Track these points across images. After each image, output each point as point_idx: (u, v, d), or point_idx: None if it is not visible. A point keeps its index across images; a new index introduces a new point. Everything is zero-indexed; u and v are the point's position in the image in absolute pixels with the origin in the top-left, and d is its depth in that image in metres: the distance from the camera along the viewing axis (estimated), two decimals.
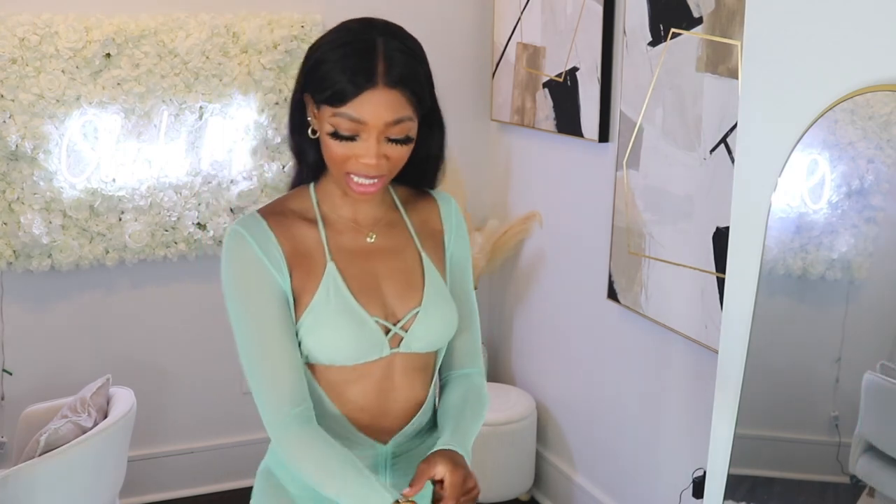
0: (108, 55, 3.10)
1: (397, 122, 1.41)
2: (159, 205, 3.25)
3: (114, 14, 3.13)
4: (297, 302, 1.49)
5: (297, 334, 1.49)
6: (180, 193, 3.27)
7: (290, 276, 1.48)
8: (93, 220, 3.20)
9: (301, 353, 1.49)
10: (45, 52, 3.02)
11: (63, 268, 3.20)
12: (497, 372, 3.87)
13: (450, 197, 1.68)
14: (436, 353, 1.61)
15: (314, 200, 1.55)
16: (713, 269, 2.49)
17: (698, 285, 2.55)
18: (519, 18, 3.43)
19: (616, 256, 2.94)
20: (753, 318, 1.77)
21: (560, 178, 3.35)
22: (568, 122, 3.17)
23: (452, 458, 1.45)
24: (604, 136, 3.00)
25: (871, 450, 1.65)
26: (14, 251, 3.13)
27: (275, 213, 1.52)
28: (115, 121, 3.14)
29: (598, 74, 2.97)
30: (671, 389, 2.78)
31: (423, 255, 1.58)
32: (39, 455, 2.46)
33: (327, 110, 1.41)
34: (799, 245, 1.74)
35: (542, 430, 3.54)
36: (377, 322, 1.50)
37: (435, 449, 1.48)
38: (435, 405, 1.64)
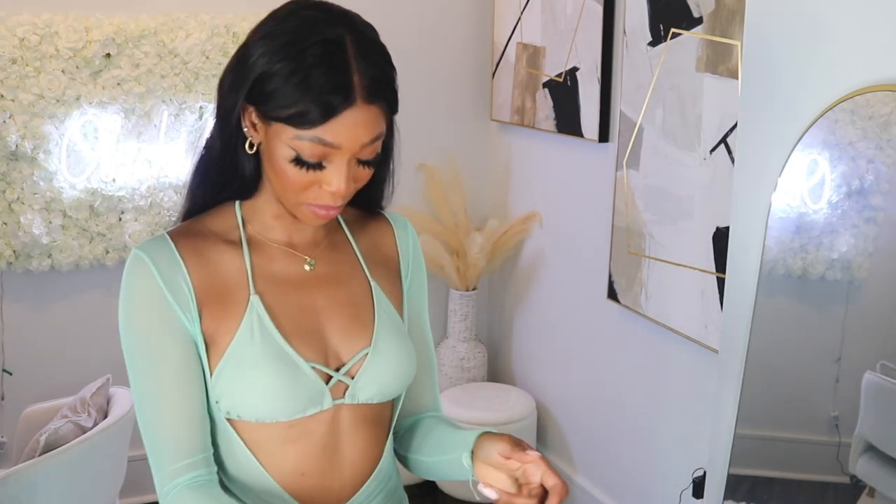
0: (108, 55, 3.10)
1: (373, 141, 1.17)
2: (159, 205, 3.25)
3: (114, 14, 3.13)
4: (213, 346, 1.21)
5: (211, 385, 1.22)
6: (180, 193, 3.26)
7: (200, 314, 1.21)
8: (93, 220, 3.20)
9: (218, 409, 1.22)
10: (45, 52, 3.02)
11: (63, 268, 3.20)
12: (497, 372, 3.87)
13: (406, 220, 1.43)
14: (392, 402, 1.35)
15: (239, 220, 1.27)
16: (713, 269, 2.49)
17: (698, 285, 2.55)
18: (519, 18, 3.43)
19: (616, 256, 2.94)
20: (753, 318, 1.77)
21: (560, 178, 3.35)
22: (568, 122, 3.17)
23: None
24: (604, 136, 3.00)
25: (870, 450, 1.65)
26: (14, 251, 3.13)
27: (189, 235, 1.25)
28: (115, 121, 3.14)
29: (598, 74, 2.97)
30: (671, 389, 2.78)
31: (373, 283, 1.32)
32: (39, 455, 2.46)
33: (286, 130, 1.14)
34: (799, 245, 1.74)
35: (542, 430, 3.54)
36: (314, 368, 1.23)
37: (482, 431, 1.26)
38: (393, 469, 1.37)
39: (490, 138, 3.78)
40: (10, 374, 3.28)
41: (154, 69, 3.14)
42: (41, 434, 2.51)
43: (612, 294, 2.98)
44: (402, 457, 1.42)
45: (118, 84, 3.12)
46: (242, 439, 1.24)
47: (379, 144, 1.19)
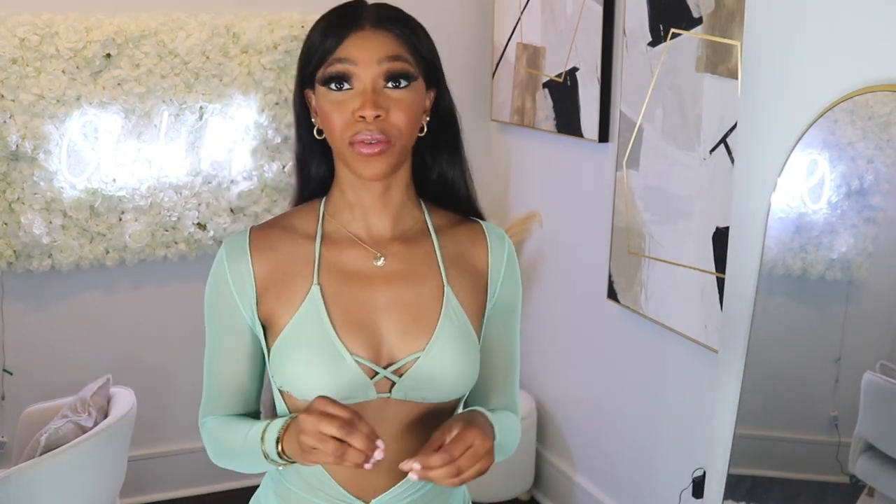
0: (109, 55, 3.10)
1: (391, 58, 1.25)
2: (159, 205, 3.25)
3: (114, 14, 3.13)
4: (271, 327, 1.33)
5: (269, 361, 1.34)
6: (180, 193, 3.27)
7: (258, 300, 1.32)
8: (93, 220, 3.20)
9: (274, 382, 1.35)
10: (46, 53, 3.02)
11: (63, 268, 3.20)
12: None
13: (505, 236, 1.43)
14: (450, 406, 1.37)
15: (320, 215, 1.36)
16: (713, 269, 2.49)
17: (698, 285, 2.55)
18: (519, 18, 3.43)
19: (616, 256, 2.94)
20: (753, 318, 1.77)
21: (560, 178, 3.35)
22: (568, 122, 3.17)
23: (473, 419, 1.25)
24: (604, 136, 3.00)
25: (870, 449, 1.65)
26: (14, 251, 3.13)
27: (268, 228, 1.37)
28: (116, 121, 3.14)
29: (598, 74, 2.97)
30: (671, 389, 2.78)
31: (447, 288, 1.34)
32: (39, 455, 2.46)
33: (320, 73, 1.27)
34: (799, 245, 1.74)
35: (542, 429, 3.54)
36: (359, 361, 1.28)
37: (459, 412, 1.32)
38: None
39: (490, 138, 3.78)
40: (11, 374, 3.28)
41: (154, 69, 3.14)
42: (41, 434, 2.51)
43: (612, 294, 2.98)
44: None
45: (118, 84, 3.12)
46: (293, 413, 1.32)
47: (403, 66, 1.26)
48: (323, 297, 1.30)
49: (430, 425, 1.30)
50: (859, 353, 1.68)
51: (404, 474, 1.24)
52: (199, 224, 3.33)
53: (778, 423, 1.87)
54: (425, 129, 1.34)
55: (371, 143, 1.24)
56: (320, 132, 1.32)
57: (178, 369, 3.52)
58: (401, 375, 1.30)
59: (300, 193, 1.42)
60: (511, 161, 3.66)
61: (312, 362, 1.27)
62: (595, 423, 3.24)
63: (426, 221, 1.39)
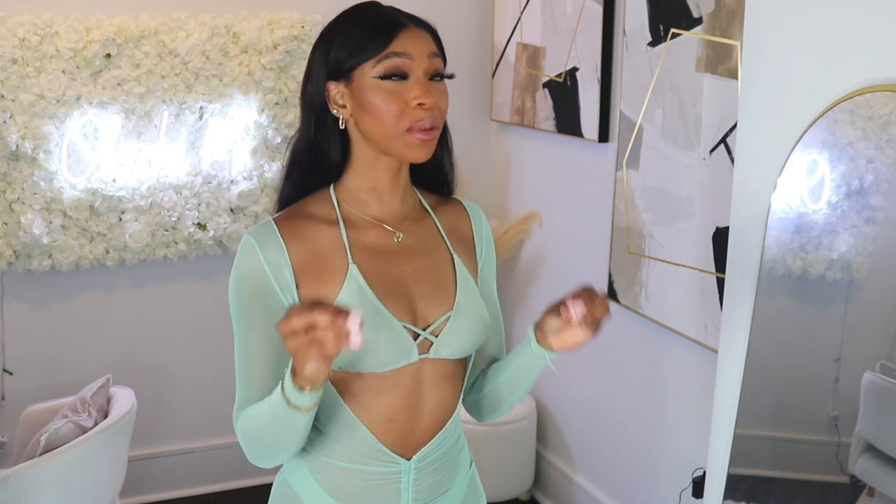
0: (109, 55, 3.10)
1: (434, 54, 1.41)
2: (159, 205, 3.25)
3: (114, 14, 3.13)
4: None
5: None
6: (180, 193, 3.27)
7: (298, 286, 1.40)
8: (93, 221, 3.20)
9: None
10: (46, 53, 3.02)
11: (63, 268, 3.20)
12: None
13: (478, 208, 1.63)
14: (465, 360, 1.54)
15: (335, 201, 1.46)
16: (713, 269, 2.49)
17: (698, 285, 2.55)
18: (519, 19, 3.43)
19: (616, 256, 2.94)
20: (753, 318, 1.77)
21: (560, 178, 3.35)
22: (568, 122, 3.17)
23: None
24: (604, 136, 3.00)
25: (870, 449, 1.65)
26: (14, 251, 3.13)
27: (291, 218, 1.45)
28: (116, 121, 3.14)
29: (598, 74, 2.97)
30: (671, 389, 2.78)
31: (455, 256, 1.52)
32: (39, 455, 2.46)
33: (366, 68, 1.37)
34: (799, 245, 1.74)
35: (542, 429, 3.54)
36: (405, 327, 1.42)
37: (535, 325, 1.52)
38: (459, 421, 1.56)
39: (490, 138, 3.78)
40: (11, 374, 3.28)
41: (154, 69, 3.14)
42: (41, 434, 2.51)
43: (612, 294, 2.98)
44: (482, 398, 1.62)
45: (118, 84, 3.12)
46: (338, 391, 1.43)
47: (441, 63, 1.42)
48: (362, 274, 1.42)
49: (455, 379, 1.51)
50: (859, 353, 1.68)
51: (442, 426, 1.48)
52: (199, 224, 3.33)
53: (778, 423, 1.87)
54: None
55: (428, 129, 1.38)
56: (342, 123, 1.43)
57: (178, 369, 3.52)
58: (437, 335, 1.45)
59: (304, 182, 1.49)
60: (511, 161, 3.66)
61: (368, 333, 1.31)
62: (595, 423, 3.24)
63: (421, 201, 1.55)
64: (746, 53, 1.80)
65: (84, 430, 2.57)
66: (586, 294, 1.42)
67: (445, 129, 1.51)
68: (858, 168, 1.63)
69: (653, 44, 2.69)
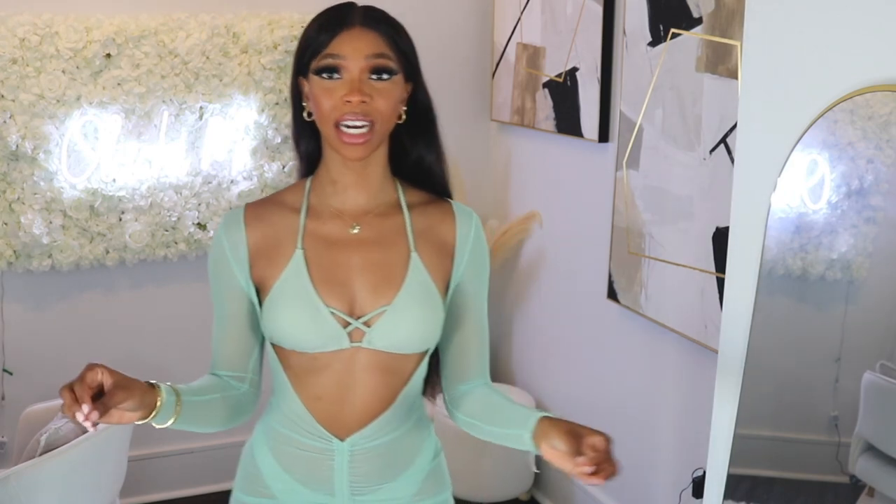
0: (109, 55, 3.10)
1: (376, 55, 1.46)
2: (159, 205, 3.25)
3: (114, 14, 3.13)
4: (262, 288, 1.53)
5: (261, 317, 1.54)
6: (180, 193, 3.27)
7: (251, 266, 1.53)
8: (93, 220, 3.20)
9: (266, 334, 1.55)
10: (46, 53, 3.02)
11: (63, 268, 3.20)
12: (497, 371, 3.87)
13: (472, 214, 1.63)
14: (414, 359, 1.56)
15: (306, 190, 1.57)
16: (713, 269, 2.49)
17: (698, 285, 2.55)
18: (519, 19, 3.43)
19: (616, 256, 2.95)
20: (753, 318, 1.77)
21: (560, 178, 3.35)
22: (568, 122, 3.17)
23: (568, 427, 1.46)
24: (604, 136, 3.00)
25: (870, 449, 1.65)
26: (14, 251, 3.13)
27: (263, 204, 1.59)
28: (116, 121, 3.14)
29: (598, 74, 2.97)
30: (671, 389, 2.78)
31: (414, 254, 1.54)
32: (39, 455, 2.46)
33: (313, 64, 1.48)
34: (798, 245, 1.74)
35: None
36: (333, 313, 1.49)
37: (542, 415, 1.49)
38: (408, 411, 1.59)
39: (490, 138, 3.78)
40: (11, 374, 3.28)
41: (154, 69, 3.14)
42: (41, 434, 2.51)
43: (612, 294, 2.98)
44: (460, 419, 1.66)
45: (118, 84, 3.12)
46: (282, 364, 1.55)
47: (386, 62, 1.47)
48: (305, 259, 1.51)
49: (394, 374, 1.54)
50: (859, 353, 1.68)
51: (376, 415, 1.53)
52: (199, 224, 3.33)
53: (778, 423, 1.87)
54: (403, 117, 1.53)
55: (356, 130, 1.45)
56: (310, 115, 1.53)
57: (178, 369, 3.51)
58: (370, 326, 1.50)
59: (301, 167, 1.62)
60: (511, 161, 3.66)
61: (294, 315, 1.49)
62: (595, 422, 3.22)
63: (399, 198, 1.58)
64: (746, 53, 1.80)
65: (84, 430, 2.57)
66: (605, 456, 1.44)
67: (434, 128, 1.59)
68: (858, 168, 1.63)
69: (653, 44, 2.69)
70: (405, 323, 1.51)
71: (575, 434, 1.43)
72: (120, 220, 3.23)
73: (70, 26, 3.02)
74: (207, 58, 3.19)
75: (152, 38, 3.13)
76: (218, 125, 3.27)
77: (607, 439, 1.43)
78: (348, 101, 1.44)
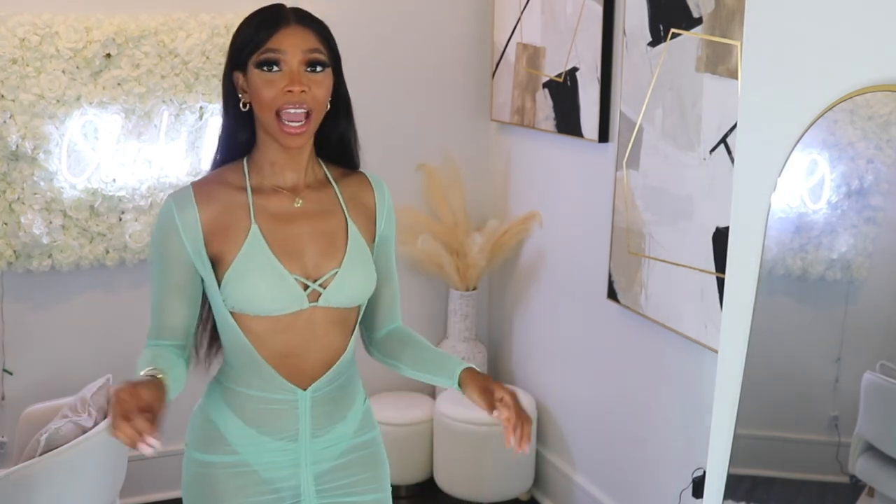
0: (109, 55, 3.10)
1: (312, 50, 1.65)
2: (159, 205, 3.25)
3: (114, 14, 3.13)
4: (219, 262, 1.68)
5: (220, 289, 1.68)
6: None
7: (206, 242, 1.67)
8: (93, 221, 3.20)
9: (226, 307, 1.69)
10: (46, 53, 3.02)
11: (63, 268, 3.20)
12: (497, 372, 3.87)
13: (382, 182, 1.86)
14: (356, 309, 1.79)
15: (245, 171, 1.73)
16: (713, 269, 2.49)
17: (698, 285, 2.55)
18: (519, 18, 3.43)
19: (616, 256, 2.95)
20: (753, 318, 1.77)
21: (560, 178, 3.35)
22: (568, 122, 3.17)
23: (479, 379, 1.71)
24: (604, 136, 3.01)
25: (870, 449, 1.65)
26: (14, 251, 3.13)
27: (206, 184, 1.73)
28: (116, 121, 3.14)
29: (598, 74, 2.97)
30: (671, 389, 2.78)
31: (350, 221, 1.76)
32: (40, 455, 2.46)
33: (254, 59, 1.65)
34: (798, 245, 1.74)
35: (542, 429, 3.54)
36: (296, 279, 1.68)
37: (463, 367, 1.74)
38: (353, 356, 1.82)
39: (490, 138, 3.78)
40: (11, 374, 3.28)
41: (154, 69, 3.14)
42: (41, 434, 2.51)
43: (612, 294, 2.98)
44: (382, 359, 1.90)
45: (118, 84, 3.12)
46: (242, 330, 1.69)
47: (320, 57, 1.66)
48: (262, 233, 1.68)
49: (344, 325, 1.76)
50: (859, 353, 1.68)
51: (332, 363, 1.74)
52: None
53: (778, 423, 1.87)
54: (328, 105, 1.71)
55: (295, 124, 1.63)
56: (245, 105, 1.69)
57: None
58: (325, 287, 1.70)
59: (223, 155, 1.77)
60: (511, 161, 3.66)
61: (261, 284, 1.66)
62: (595, 423, 3.24)
63: (325, 174, 1.79)
64: (746, 53, 1.80)
65: (84, 430, 2.57)
66: (515, 409, 1.63)
67: (348, 107, 1.76)
68: (858, 168, 1.63)
69: (653, 44, 2.69)
70: (352, 281, 1.73)
71: (488, 391, 1.66)
72: (120, 220, 3.23)
73: (70, 26, 3.02)
74: (207, 58, 3.19)
75: (152, 38, 3.13)
76: (218, 125, 3.27)
77: (513, 395, 1.65)
78: (289, 91, 1.62)
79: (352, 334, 1.78)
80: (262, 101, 1.64)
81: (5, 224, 3.11)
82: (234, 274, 1.66)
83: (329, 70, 1.68)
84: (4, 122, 3.02)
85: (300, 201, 1.73)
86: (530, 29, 3.36)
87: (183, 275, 1.70)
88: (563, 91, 3.18)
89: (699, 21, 2.47)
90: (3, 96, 3.01)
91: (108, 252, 3.25)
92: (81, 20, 3.05)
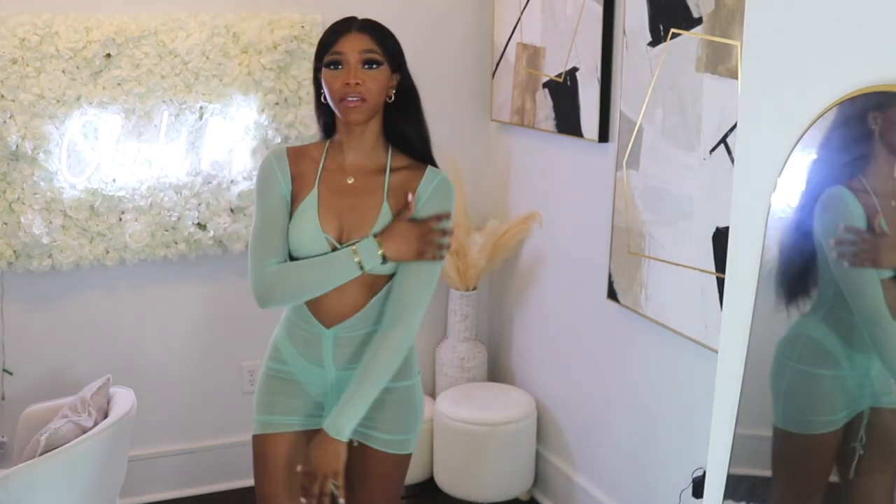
0: (109, 55, 3.10)
1: (367, 51, 2.06)
2: (159, 205, 3.25)
3: (114, 14, 3.13)
4: (294, 206, 2.12)
5: (289, 228, 2.11)
6: (180, 193, 3.27)
7: (292, 186, 2.13)
8: (93, 221, 3.20)
9: (289, 243, 2.12)
10: (46, 53, 3.02)
11: (63, 268, 3.20)
12: (497, 372, 3.87)
13: (437, 173, 2.15)
14: (383, 278, 2.12)
15: (325, 149, 2.17)
16: (713, 269, 2.49)
17: (698, 285, 2.55)
18: (519, 19, 3.43)
19: (616, 256, 2.95)
20: (753, 318, 1.77)
21: (560, 178, 3.35)
22: (568, 122, 3.17)
23: (323, 444, 2.07)
24: (604, 136, 3.01)
25: None
26: (14, 251, 3.13)
27: (298, 151, 2.17)
28: (116, 121, 3.14)
29: (598, 74, 2.97)
30: (671, 389, 2.78)
31: (386, 203, 2.11)
32: (40, 455, 2.46)
33: (324, 60, 2.07)
34: None
35: (542, 429, 3.54)
36: (327, 238, 2.09)
37: (328, 420, 2.09)
38: (376, 314, 2.12)
39: (490, 138, 3.78)
40: (11, 374, 3.28)
41: (154, 69, 3.14)
42: (41, 434, 2.51)
43: (612, 294, 2.98)
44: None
45: (118, 84, 3.12)
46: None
47: (373, 56, 2.06)
48: (318, 196, 2.11)
49: (365, 286, 2.11)
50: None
51: (352, 313, 2.12)
52: (199, 224, 3.34)
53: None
54: (392, 98, 2.11)
55: (353, 101, 2.04)
56: (324, 97, 2.12)
57: (178, 369, 3.52)
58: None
59: (323, 132, 2.22)
60: (511, 161, 3.66)
61: (302, 233, 2.10)
62: (595, 423, 3.24)
63: (387, 161, 2.15)
64: (746, 53, 1.80)
65: (84, 430, 2.57)
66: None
67: (414, 107, 2.15)
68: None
69: (653, 44, 2.69)
70: None
71: (309, 472, 2.13)
72: (120, 220, 3.23)
73: (70, 26, 3.02)
74: (207, 58, 3.19)
75: (152, 38, 3.13)
76: (218, 125, 3.27)
77: (314, 477, 2.10)
78: (347, 84, 2.04)
79: (374, 296, 2.12)
80: (330, 92, 2.07)
81: (5, 224, 3.11)
82: (293, 220, 2.10)
83: (384, 67, 2.08)
84: (4, 122, 3.02)
85: (352, 179, 2.13)
86: (530, 29, 3.36)
87: (280, 204, 2.11)
88: (563, 91, 3.18)
89: (699, 21, 2.47)
90: (3, 96, 3.01)
91: (108, 252, 3.25)
92: (81, 20, 3.05)
